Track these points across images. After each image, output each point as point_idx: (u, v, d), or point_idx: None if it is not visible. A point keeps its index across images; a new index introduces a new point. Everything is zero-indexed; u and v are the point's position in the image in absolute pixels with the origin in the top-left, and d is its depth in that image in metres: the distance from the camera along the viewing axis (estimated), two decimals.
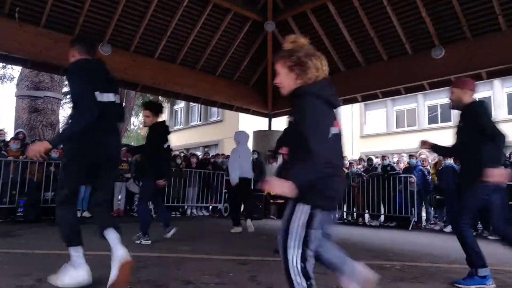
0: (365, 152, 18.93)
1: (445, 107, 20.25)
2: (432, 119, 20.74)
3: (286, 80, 1.96)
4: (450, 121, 19.90)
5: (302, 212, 1.83)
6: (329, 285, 2.81)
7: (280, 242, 1.85)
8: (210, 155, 10.52)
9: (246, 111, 10.36)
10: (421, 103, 21.06)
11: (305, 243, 1.80)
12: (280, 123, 11.91)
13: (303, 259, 1.79)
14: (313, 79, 1.90)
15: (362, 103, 22.35)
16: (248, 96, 9.81)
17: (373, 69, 8.27)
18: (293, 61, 1.91)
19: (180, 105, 22.03)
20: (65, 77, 10.34)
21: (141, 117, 31.46)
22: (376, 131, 22.19)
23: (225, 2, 7.80)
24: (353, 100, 9.29)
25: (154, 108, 4.75)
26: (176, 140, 21.62)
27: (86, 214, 8.09)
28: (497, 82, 17.83)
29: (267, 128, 10.38)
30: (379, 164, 8.52)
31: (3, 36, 6.29)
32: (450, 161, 7.40)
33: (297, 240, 1.80)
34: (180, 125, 22.77)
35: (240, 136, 6.46)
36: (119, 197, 8.48)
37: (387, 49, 7.94)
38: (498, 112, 17.89)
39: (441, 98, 20.12)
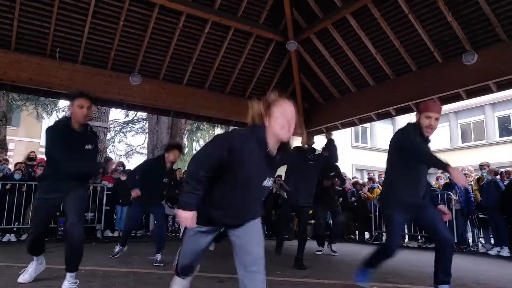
0: None
1: None
2: (504, 132, 18.88)
3: None
4: None
5: None
6: None
7: None
8: None
9: None
10: (490, 115, 19.35)
11: None
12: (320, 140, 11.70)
13: None
14: None
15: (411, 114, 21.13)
16: None
17: (403, 81, 7.85)
18: None
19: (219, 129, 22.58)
20: (110, 108, 11.30)
21: (201, 142, 32.78)
22: (438, 147, 20.67)
23: (245, 26, 8.03)
24: (387, 115, 8.84)
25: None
26: None
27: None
28: (488, 107, 18.49)
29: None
30: None
31: (45, 74, 7.09)
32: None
33: None
34: None
35: None
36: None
37: (415, 59, 7.52)
38: (490, 135, 18.50)
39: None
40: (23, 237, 7.31)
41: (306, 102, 9.94)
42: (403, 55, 7.53)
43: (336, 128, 10.08)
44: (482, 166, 7.17)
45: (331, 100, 9.47)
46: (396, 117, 18.61)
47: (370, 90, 8.53)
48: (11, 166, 8.33)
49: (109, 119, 11.68)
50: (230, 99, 9.13)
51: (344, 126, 10.10)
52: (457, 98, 7.49)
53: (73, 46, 7.31)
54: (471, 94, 7.30)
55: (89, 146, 3.40)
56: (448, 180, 7.64)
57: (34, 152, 8.88)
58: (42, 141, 27.24)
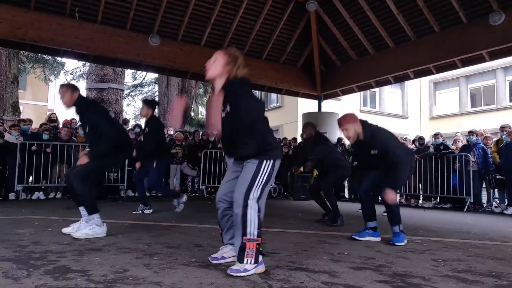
0: None
1: None
2: None
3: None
4: None
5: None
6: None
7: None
8: None
9: (295, 94, 10.37)
10: (501, 79, 19.12)
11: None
12: (329, 105, 11.70)
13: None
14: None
15: (432, 83, 21.02)
16: (296, 79, 9.81)
17: (425, 43, 7.79)
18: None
19: None
20: (125, 69, 11.26)
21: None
22: (447, 111, 20.66)
23: None
24: (405, 78, 8.84)
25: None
26: None
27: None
28: (500, 72, 18.15)
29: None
30: (432, 144, 8.03)
31: (66, 34, 7.05)
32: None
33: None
34: None
35: None
36: (174, 178, 9.07)
37: (438, 20, 7.43)
38: (501, 100, 18.28)
39: None
40: (51, 195, 7.55)
41: (323, 64, 9.87)
42: (427, 15, 7.43)
43: (352, 90, 10.10)
44: (503, 128, 7.23)
45: (348, 63, 9.41)
46: (406, 82, 18.52)
47: (390, 52, 8.48)
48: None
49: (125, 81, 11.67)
50: (247, 61, 9.01)
51: (361, 88, 10.11)
52: (479, 60, 7.48)
53: (93, 5, 7.22)
54: (494, 56, 7.28)
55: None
56: (466, 143, 7.73)
57: (55, 113, 8.95)
58: (49, 104, 27.26)
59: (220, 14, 8.14)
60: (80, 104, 3.65)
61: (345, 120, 3.59)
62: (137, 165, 5.46)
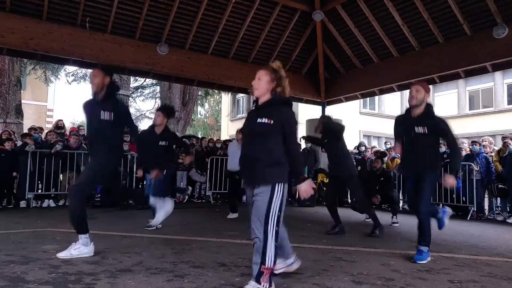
0: None
1: None
2: None
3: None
4: None
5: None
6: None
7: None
8: None
9: (299, 100, 10.47)
10: (499, 82, 19.32)
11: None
12: (332, 111, 11.82)
13: None
14: None
15: (430, 85, 21.18)
16: (300, 85, 9.92)
17: (428, 53, 7.92)
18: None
19: (242, 94, 22.61)
20: (131, 76, 11.33)
21: (206, 106, 32.93)
22: (445, 114, 20.83)
23: None
24: (409, 86, 8.96)
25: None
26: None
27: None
28: (498, 75, 18.15)
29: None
30: None
31: (77, 44, 7.12)
32: None
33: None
34: (242, 113, 23.42)
35: None
36: (181, 185, 9.18)
37: (442, 31, 7.56)
38: (499, 103, 18.51)
39: None
40: (61, 202, 7.65)
41: (327, 72, 10.00)
42: (431, 26, 7.55)
43: (355, 97, 10.24)
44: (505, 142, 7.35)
45: (352, 70, 9.54)
46: None
47: (393, 61, 8.61)
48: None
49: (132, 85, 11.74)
50: (252, 68, 9.13)
51: (364, 96, 10.26)
52: (482, 70, 7.63)
53: (103, 15, 7.30)
54: (497, 67, 7.44)
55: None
56: (469, 151, 7.90)
57: (62, 120, 9.02)
58: (49, 104, 27.17)
59: (227, 23, 8.23)
60: (111, 92, 3.70)
61: (423, 85, 3.81)
62: (139, 173, 5.49)
